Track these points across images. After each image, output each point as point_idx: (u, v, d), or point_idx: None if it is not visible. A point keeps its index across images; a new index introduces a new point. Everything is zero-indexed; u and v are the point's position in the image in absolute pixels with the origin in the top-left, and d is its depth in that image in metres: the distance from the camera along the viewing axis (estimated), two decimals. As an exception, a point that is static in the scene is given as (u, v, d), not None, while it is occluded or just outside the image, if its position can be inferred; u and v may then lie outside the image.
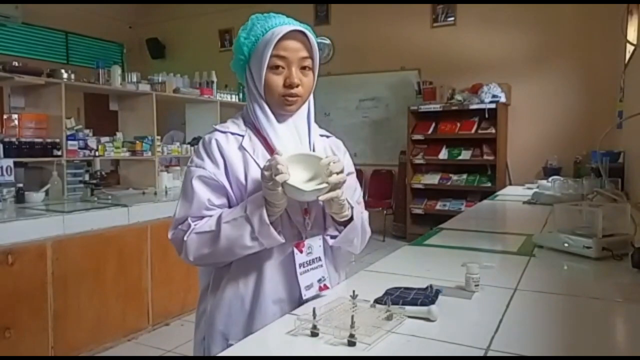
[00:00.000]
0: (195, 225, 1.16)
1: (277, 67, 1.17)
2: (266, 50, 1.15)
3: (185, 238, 1.15)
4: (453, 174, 5.79)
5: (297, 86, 1.18)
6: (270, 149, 1.20)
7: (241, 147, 1.20)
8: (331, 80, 6.59)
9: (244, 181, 1.18)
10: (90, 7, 7.41)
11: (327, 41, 6.81)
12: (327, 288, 1.21)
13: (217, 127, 1.25)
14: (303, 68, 1.19)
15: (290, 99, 1.19)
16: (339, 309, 1.06)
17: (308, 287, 1.18)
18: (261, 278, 1.18)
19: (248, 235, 1.11)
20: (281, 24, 1.17)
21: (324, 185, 1.09)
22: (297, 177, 1.09)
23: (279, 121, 1.21)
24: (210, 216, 1.17)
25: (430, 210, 5.81)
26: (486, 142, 5.53)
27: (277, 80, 1.17)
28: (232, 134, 1.22)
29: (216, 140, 1.20)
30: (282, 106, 1.20)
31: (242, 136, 1.22)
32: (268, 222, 1.09)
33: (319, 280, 1.21)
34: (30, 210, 2.98)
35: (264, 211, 1.09)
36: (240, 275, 1.19)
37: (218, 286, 1.22)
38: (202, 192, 1.17)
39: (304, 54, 1.18)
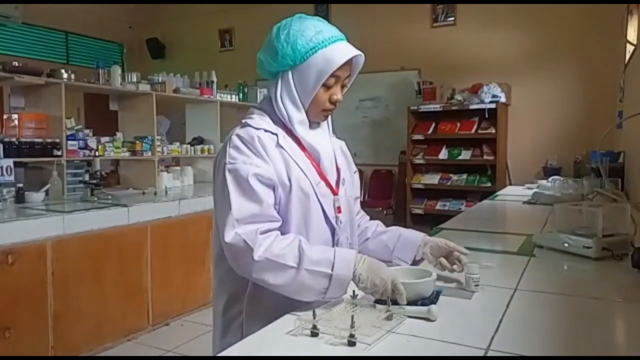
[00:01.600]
0: (265, 239, 1.10)
1: (330, 85, 1.19)
2: (327, 69, 1.16)
3: (255, 257, 1.08)
4: (453, 174, 5.79)
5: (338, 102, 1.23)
6: (304, 149, 1.22)
7: (278, 146, 1.19)
8: (331, 80, 6.58)
9: (287, 183, 1.17)
10: (90, 7, 7.40)
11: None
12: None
13: (249, 122, 1.20)
14: (343, 84, 1.24)
15: (328, 112, 1.25)
16: (339, 309, 1.06)
17: None
18: None
19: (320, 289, 1.09)
20: (339, 40, 1.19)
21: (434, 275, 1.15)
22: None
23: (311, 126, 1.25)
24: (275, 220, 1.14)
25: (430, 210, 5.80)
26: (486, 142, 5.53)
27: (326, 96, 1.21)
28: (266, 131, 1.19)
29: (258, 137, 1.17)
30: (319, 117, 1.25)
31: (276, 134, 1.20)
32: (345, 291, 1.10)
33: None
34: (30, 210, 2.98)
35: (348, 282, 1.10)
36: None
37: (262, 290, 1.17)
38: (264, 193, 1.13)
39: (349, 73, 1.23)
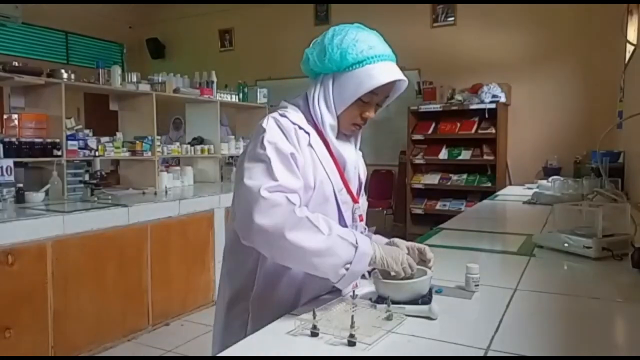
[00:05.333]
0: (302, 205, 1.09)
1: (365, 101, 1.19)
2: (367, 85, 1.15)
3: (297, 212, 1.05)
4: (453, 174, 5.79)
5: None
6: (331, 153, 1.22)
7: (309, 145, 1.18)
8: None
9: (312, 184, 1.16)
10: (90, 7, 7.40)
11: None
12: (357, 287, 1.23)
13: (287, 114, 1.18)
14: (379, 104, 1.24)
15: (357, 128, 1.25)
16: (339, 309, 1.06)
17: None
18: (310, 278, 1.18)
19: (346, 259, 1.07)
20: (388, 59, 1.18)
21: (430, 273, 1.15)
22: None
23: (339, 137, 1.24)
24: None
25: (430, 210, 5.81)
26: (486, 142, 5.53)
27: (358, 111, 1.21)
28: (300, 127, 1.18)
29: (295, 129, 1.16)
30: (348, 129, 1.24)
31: (308, 134, 1.19)
32: (365, 269, 1.10)
33: None
34: (30, 210, 2.98)
35: (369, 259, 1.09)
36: (297, 279, 1.19)
37: (270, 289, 1.18)
38: (300, 176, 1.13)
39: (388, 94, 1.23)
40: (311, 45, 1.24)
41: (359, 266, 1.08)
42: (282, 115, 1.17)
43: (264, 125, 1.15)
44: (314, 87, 1.23)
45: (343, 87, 1.18)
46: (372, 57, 1.16)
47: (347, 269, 1.07)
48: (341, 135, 1.25)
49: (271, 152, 1.10)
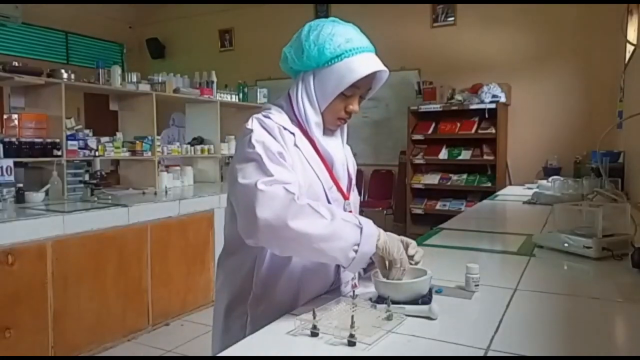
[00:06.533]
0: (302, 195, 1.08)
1: (348, 95, 1.19)
2: (349, 79, 1.15)
3: (298, 201, 1.03)
4: (453, 174, 5.79)
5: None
6: (318, 152, 1.22)
7: (295, 146, 1.18)
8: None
9: (302, 183, 1.15)
10: (90, 7, 7.40)
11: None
12: (357, 287, 1.23)
13: (270, 116, 1.18)
14: (362, 96, 1.23)
15: (342, 122, 1.24)
16: (339, 309, 1.06)
17: (346, 284, 1.24)
18: (308, 279, 1.18)
19: (353, 241, 1.06)
20: (366, 51, 1.18)
21: (430, 273, 1.13)
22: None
23: (325, 133, 1.24)
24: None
25: (430, 210, 5.81)
26: (486, 142, 5.53)
27: (342, 105, 1.20)
28: (284, 128, 1.18)
29: (279, 129, 1.15)
30: (333, 124, 1.24)
31: (293, 134, 1.19)
32: (374, 249, 1.08)
33: (352, 279, 1.25)
34: (30, 210, 2.98)
35: (375, 239, 1.08)
36: (295, 280, 1.19)
37: (268, 291, 1.18)
38: (290, 170, 1.12)
39: (370, 86, 1.23)
40: (289, 43, 1.23)
41: (367, 247, 1.07)
42: (265, 117, 1.18)
43: (249, 126, 1.16)
44: (295, 85, 1.22)
45: (324, 82, 1.17)
46: (350, 50, 1.15)
47: (356, 251, 1.07)
48: (327, 131, 1.25)
49: (260, 150, 1.10)
